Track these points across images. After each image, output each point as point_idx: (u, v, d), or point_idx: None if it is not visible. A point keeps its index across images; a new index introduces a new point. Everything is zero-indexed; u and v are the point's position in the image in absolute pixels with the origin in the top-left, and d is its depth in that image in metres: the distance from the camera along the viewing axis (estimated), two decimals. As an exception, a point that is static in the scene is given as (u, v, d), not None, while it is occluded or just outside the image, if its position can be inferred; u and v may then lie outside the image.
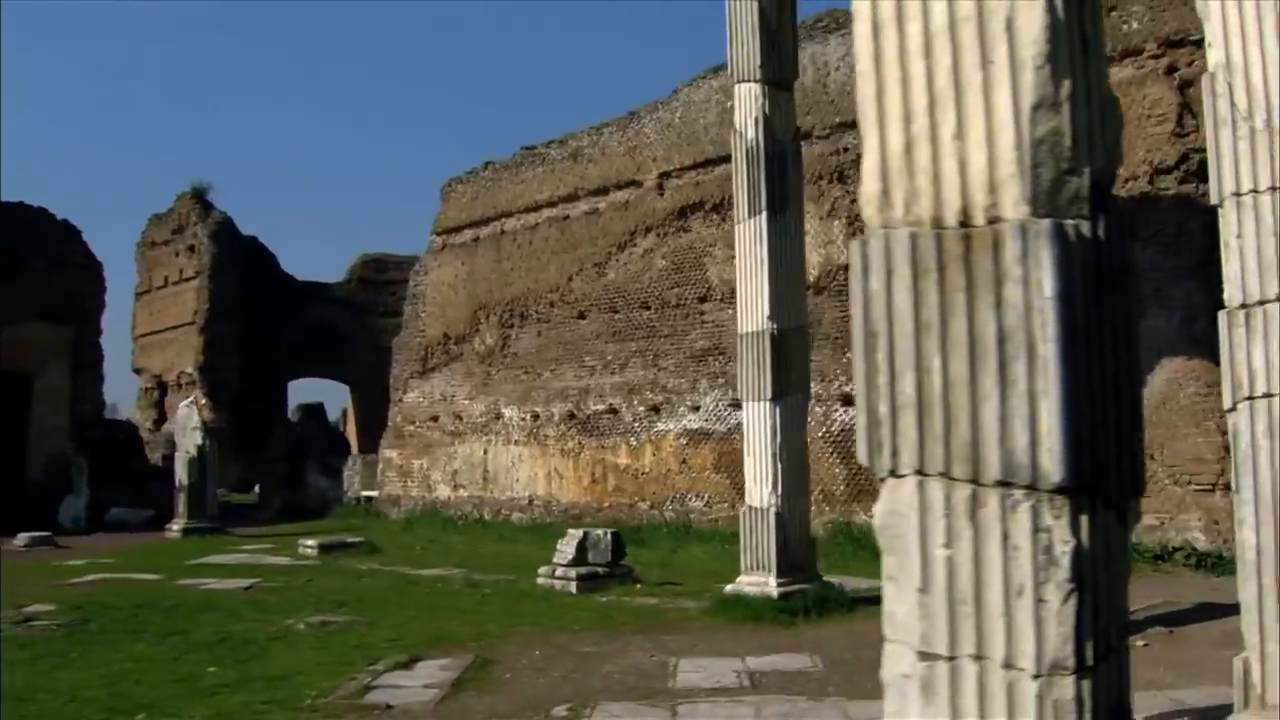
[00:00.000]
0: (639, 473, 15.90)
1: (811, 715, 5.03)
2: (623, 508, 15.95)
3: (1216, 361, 9.93)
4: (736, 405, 14.62)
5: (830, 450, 13.37)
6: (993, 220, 1.97)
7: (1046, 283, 1.90)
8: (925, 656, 2.04)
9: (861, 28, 2.16)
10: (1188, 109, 10.07)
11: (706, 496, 14.90)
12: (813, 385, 13.85)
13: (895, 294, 2.08)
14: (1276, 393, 3.53)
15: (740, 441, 14.76)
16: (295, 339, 31.13)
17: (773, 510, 8.02)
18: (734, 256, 15.43)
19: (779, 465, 8.08)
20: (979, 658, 1.97)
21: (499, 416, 18.49)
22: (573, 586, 9.42)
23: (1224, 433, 10.01)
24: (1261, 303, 3.60)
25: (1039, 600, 1.91)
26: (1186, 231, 10.04)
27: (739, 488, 14.59)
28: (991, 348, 1.95)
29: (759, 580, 7.99)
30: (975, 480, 1.96)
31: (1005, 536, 1.94)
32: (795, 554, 8.08)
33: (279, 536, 16.34)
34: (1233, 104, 3.68)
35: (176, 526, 16.59)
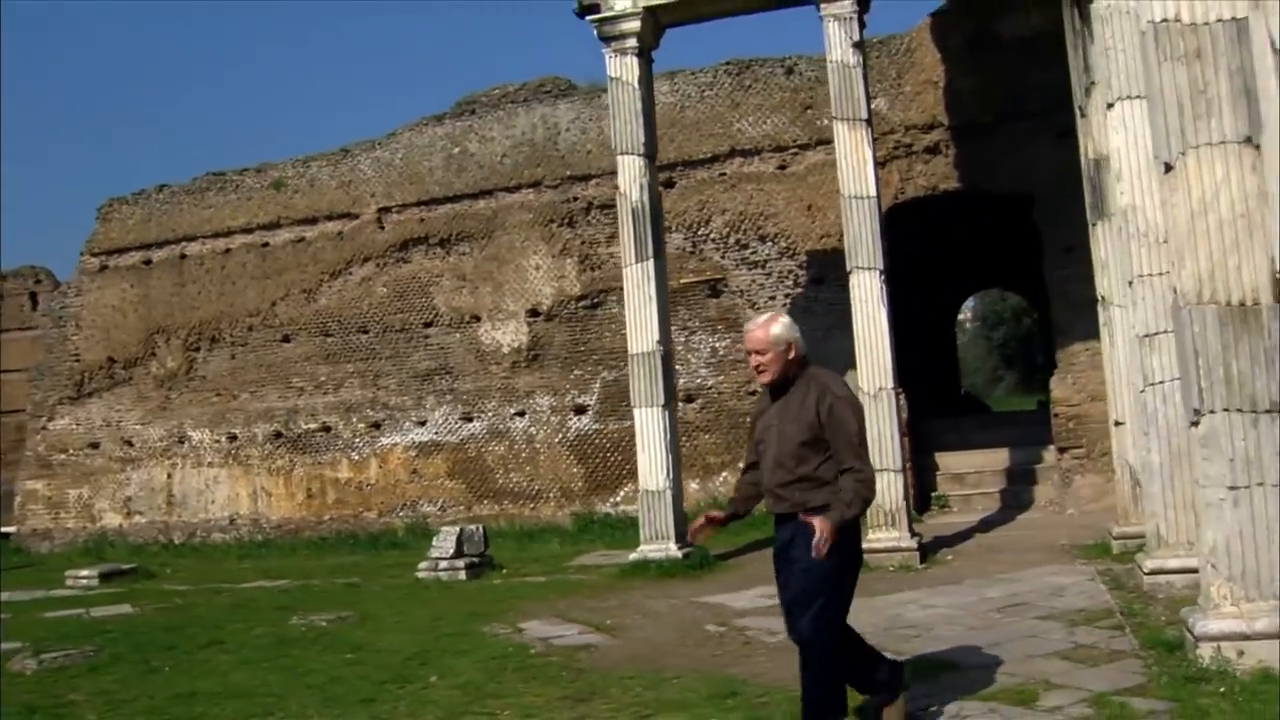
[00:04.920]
0: (364, 485, 16.98)
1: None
2: (347, 519, 16.94)
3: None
4: (467, 418, 16.44)
5: (568, 453, 15.63)
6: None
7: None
8: (1233, 489, 4.77)
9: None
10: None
11: (440, 502, 16.43)
12: (548, 398, 16.13)
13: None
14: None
15: (474, 450, 16.58)
16: None
17: (669, 492, 10.28)
18: (463, 286, 17.24)
19: (670, 456, 10.35)
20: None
21: (184, 440, 18.35)
22: (462, 575, 10.78)
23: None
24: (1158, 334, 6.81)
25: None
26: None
27: (474, 491, 16.43)
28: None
29: (661, 547, 10.17)
30: (1253, 410, 4.75)
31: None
32: (681, 526, 10.39)
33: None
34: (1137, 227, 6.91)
35: None
